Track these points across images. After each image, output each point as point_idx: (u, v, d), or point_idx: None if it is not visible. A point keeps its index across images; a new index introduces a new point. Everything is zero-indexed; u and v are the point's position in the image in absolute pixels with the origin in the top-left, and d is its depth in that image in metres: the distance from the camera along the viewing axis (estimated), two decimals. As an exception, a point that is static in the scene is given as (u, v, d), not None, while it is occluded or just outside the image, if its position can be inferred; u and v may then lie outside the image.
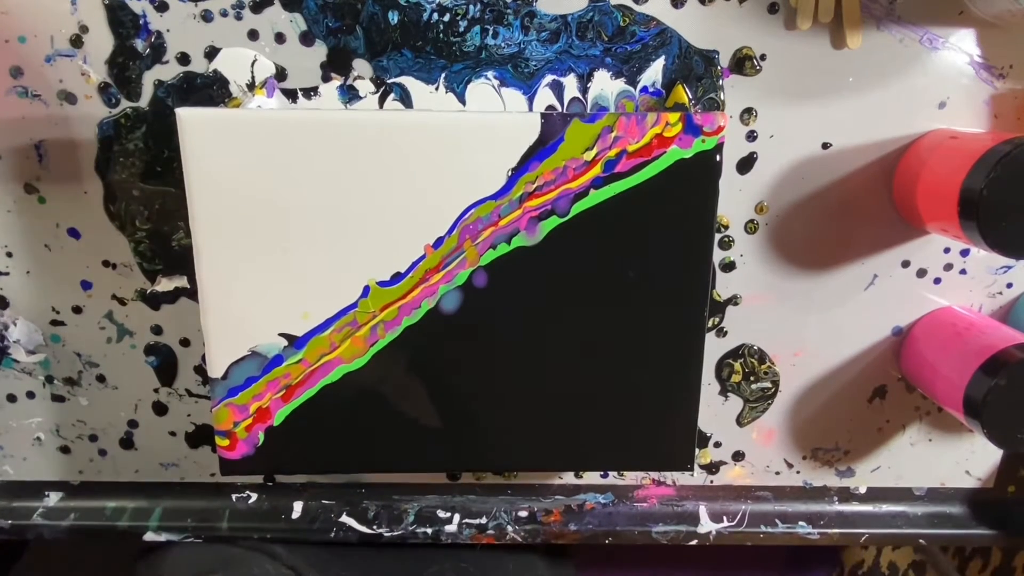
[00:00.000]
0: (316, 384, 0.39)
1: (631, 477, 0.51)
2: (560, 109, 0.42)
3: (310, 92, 0.42)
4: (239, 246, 0.37)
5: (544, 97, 0.42)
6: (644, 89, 0.42)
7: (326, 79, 0.42)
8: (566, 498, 0.51)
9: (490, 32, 0.41)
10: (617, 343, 0.39)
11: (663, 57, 0.42)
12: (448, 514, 0.50)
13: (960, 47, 0.42)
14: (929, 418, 0.50)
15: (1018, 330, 0.43)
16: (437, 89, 0.42)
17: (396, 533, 0.50)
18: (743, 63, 0.42)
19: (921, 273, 0.46)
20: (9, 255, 0.45)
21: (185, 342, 0.47)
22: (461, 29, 0.41)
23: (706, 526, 0.50)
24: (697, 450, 0.50)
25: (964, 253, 0.46)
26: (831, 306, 0.47)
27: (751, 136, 0.43)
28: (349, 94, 0.42)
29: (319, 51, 0.41)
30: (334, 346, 0.38)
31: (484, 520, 0.50)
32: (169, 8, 0.40)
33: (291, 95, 0.42)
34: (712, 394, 0.48)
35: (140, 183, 0.43)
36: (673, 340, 0.39)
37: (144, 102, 0.42)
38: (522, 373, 0.39)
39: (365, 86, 0.42)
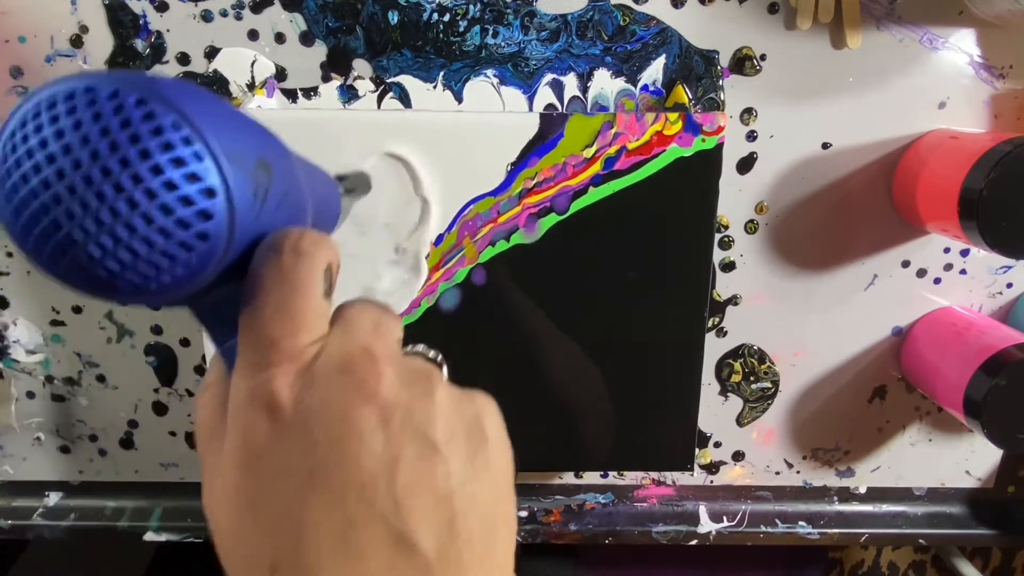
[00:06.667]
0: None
1: (631, 477, 0.51)
2: (560, 108, 0.42)
3: (310, 92, 0.42)
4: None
5: (544, 96, 0.42)
6: (644, 88, 0.42)
7: (326, 79, 0.42)
8: (566, 498, 0.51)
9: (490, 32, 0.41)
10: (617, 343, 0.39)
11: (663, 56, 0.42)
12: (448, 514, 0.50)
13: (960, 47, 0.42)
14: (929, 418, 0.50)
15: (1018, 330, 0.43)
16: (435, 87, 0.42)
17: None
18: (743, 63, 0.42)
19: (921, 273, 0.46)
20: (9, 255, 0.45)
21: (185, 342, 0.47)
22: (461, 29, 0.41)
23: (706, 526, 0.50)
24: (697, 450, 0.50)
25: (964, 253, 0.46)
26: (831, 306, 0.47)
27: (751, 136, 0.43)
28: (349, 94, 0.42)
29: (319, 51, 0.41)
30: (334, 346, 0.38)
31: (484, 520, 0.50)
32: (169, 8, 0.40)
33: (291, 95, 0.42)
34: (712, 394, 0.48)
35: (140, 183, 0.43)
36: (673, 340, 0.39)
37: (144, 102, 0.42)
38: (521, 372, 0.39)
39: (365, 86, 0.42)
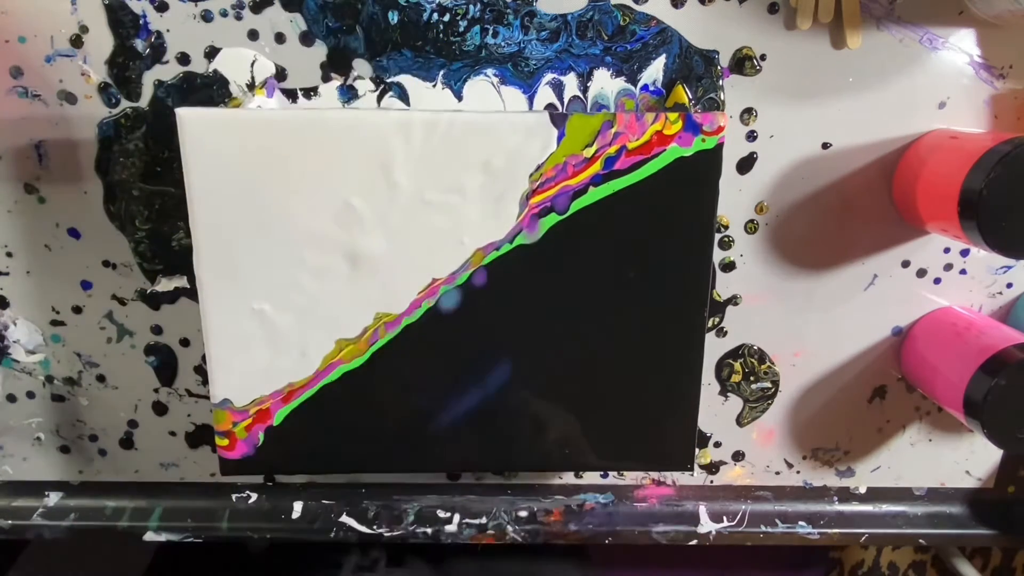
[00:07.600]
0: (316, 384, 0.39)
1: (631, 477, 0.51)
2: (560, 108, 0.42)
3: (310, 92, 0.42)
4: (239, 246, 0.37)
5: (544, 95, 0.42)
6: (644, 87, 0.42)
7: (326, 79, 0.42)
8: (566, 498, 0.51)
9: (490, 32, 0.41)
10: (617, 343, 0.39)
11: (663, 56, 0.42)
12: (448, 514, 0.50)
13: (960, 47, 0.42)
14: (929, 418, 0.50)
15: (1018, 330, 0.43)
16: (435, 86, 0.42)
17: (396, 533, 0.50)
18: (743, 63, 0.42)
19: (921, 273, 0.46)
20: (9, 255, 0.45)
21: (185, 342, 0.47)
22: (461, 29, 0.41)
23: (706, 526, 0.50)
24: (697, 450, 0.50)
25: (964, 253, 0.46)
26: (831, 306, 0.47)
27: (751, 136, 0.43)
28: (349, 94, 0.42)
29: (319, 51, 0.41)
30: (334, 346, 0.38)
31: (484, 520, 0.50)
32: (169, 8, 0.40)
33: (291, 95, 0.42)
34: (712, 394, 0.48)
35: (140, 183, 0.43)
36: (673, 340, 0.39)
37: (144, 102, 0.42)
38: (521, 372, 0.39)
39: (365, 86, 0.42)
